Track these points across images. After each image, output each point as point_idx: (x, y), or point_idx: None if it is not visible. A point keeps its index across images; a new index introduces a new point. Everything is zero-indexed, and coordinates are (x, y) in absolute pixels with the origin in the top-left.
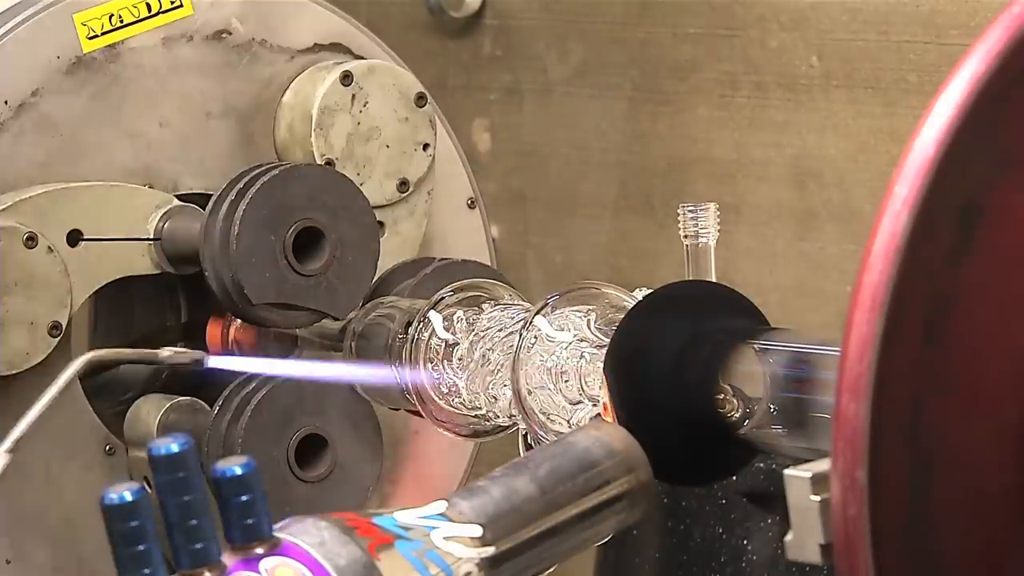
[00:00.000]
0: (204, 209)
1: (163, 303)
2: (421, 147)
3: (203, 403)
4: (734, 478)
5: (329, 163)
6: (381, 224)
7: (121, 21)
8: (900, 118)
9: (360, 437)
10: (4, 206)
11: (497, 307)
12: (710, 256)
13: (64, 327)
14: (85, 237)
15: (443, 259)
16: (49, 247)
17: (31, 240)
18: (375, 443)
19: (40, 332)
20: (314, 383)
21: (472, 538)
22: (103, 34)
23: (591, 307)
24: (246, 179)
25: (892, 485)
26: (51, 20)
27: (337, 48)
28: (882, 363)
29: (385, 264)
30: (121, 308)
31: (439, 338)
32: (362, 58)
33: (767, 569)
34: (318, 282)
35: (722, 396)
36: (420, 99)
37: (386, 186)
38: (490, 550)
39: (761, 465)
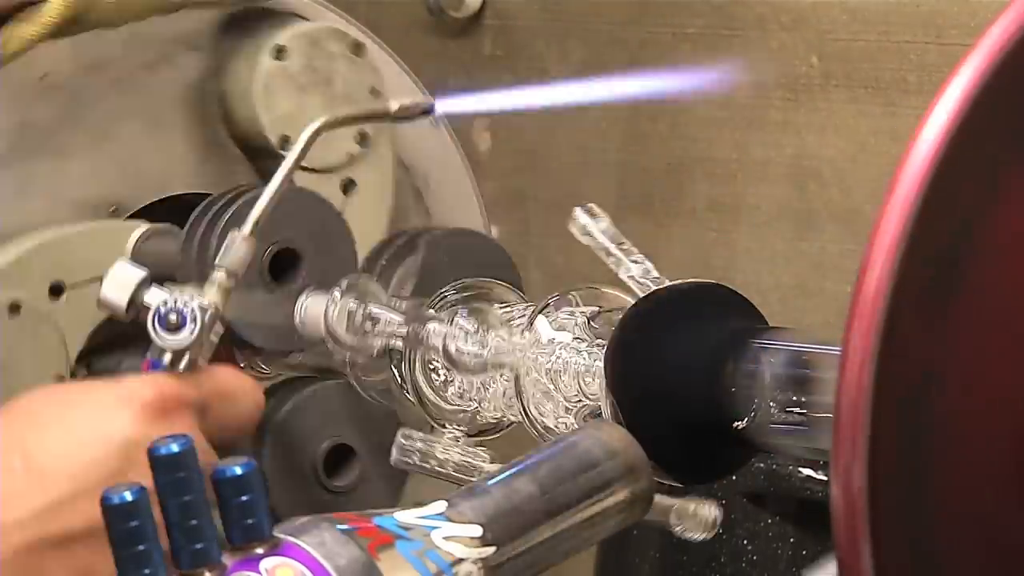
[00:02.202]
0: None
1: None
2: (371, 93)
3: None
4: (734, 478)
5: (285, 139)
6: (352, 182)
7: None
8: (900, 118)
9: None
10: None
11: (500, 307)
12: None
13: (67, 379)
14: (67, 286)
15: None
16: (35, 308)
17: (15, 309)
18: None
19: None
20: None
21: (472, 538)
22: None
23: (590, 307)
24: (222, 201)
25: (892, 485)
26: None
27: (255, 14)
28: (883, 362)
29: (358, 224)
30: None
31: (440, 335)
32: (285, 16)
33: (767, 569)
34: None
35: (722, 396)
36: (357, 48)
37: (344, 143)
38: (490, 550)
39: (761, 465)
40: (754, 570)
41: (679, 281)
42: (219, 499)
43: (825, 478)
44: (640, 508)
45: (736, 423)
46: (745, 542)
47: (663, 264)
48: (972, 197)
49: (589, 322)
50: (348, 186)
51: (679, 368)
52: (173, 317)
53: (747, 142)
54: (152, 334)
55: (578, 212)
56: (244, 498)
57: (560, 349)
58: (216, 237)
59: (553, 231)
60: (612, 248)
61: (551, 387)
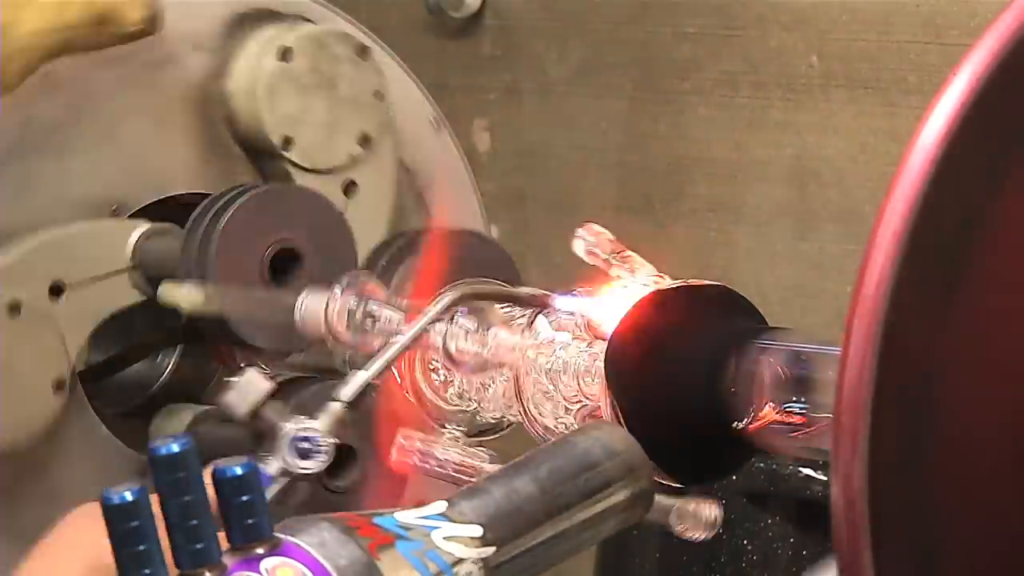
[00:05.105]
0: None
1: (162, 308)
2: (374, 96)
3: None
4: (734, 478)
5: (287, 140)
6: (354, 184)
7: None
8: (900, 118)
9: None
10: None
11: (500, 306)
12: None
13: (67, 381)
14: (67, 285)
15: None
16: (35, 308)
17: (15, 309)
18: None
19: (45, 394)
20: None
21: (472, 538)
22: None
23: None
24: (224, 200)
25: (892, 484)
26: None
27: (262, 15)
28: (883, 361)
29: (360, 226)
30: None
31: (440, 334)
32: (292, 18)
33: (767, 569)
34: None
35: (722, 396)
36: (363, 51)
37: (347, 144)
38: (490, 550)
39: (761, 465)
40: (754, 570)
41: (678, 281)
42: (219, 499)
43: (825, 478)
44: (640, 508)
45: (736, 423)
46: (745, 542)
47: (663, 264)
48: (973, 193)
49: (588, 322)
50: (349, 188)
51: (679, 368)
52: (306, 446)
53: (747, 142)
54: (286, 459)
55: (579, 232)
56: (244, 498)
57: (560, 349)
58: (216, 236)
59: (553, 231)
60: (614, 260)
61: (551, 387)
